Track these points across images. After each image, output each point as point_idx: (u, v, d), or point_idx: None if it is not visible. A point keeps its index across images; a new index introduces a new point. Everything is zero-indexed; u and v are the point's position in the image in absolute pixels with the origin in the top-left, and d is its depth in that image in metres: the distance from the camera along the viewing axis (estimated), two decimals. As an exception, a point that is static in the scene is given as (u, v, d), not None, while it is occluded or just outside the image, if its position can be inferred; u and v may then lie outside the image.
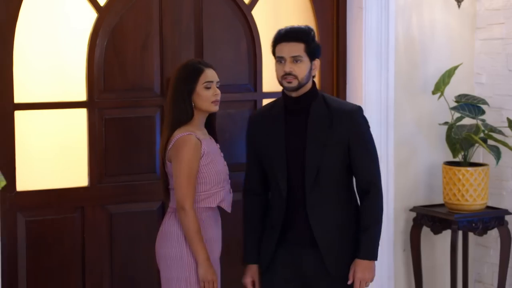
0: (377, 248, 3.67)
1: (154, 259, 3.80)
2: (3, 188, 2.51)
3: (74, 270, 4.36)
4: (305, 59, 3.59)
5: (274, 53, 3.64)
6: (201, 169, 3.75)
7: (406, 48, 4.95)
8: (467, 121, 4.93)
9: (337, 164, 3.63)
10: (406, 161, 5.01)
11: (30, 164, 4.27)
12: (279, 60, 3.61)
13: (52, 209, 4.30)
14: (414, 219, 4.99)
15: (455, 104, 4.92)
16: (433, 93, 4.91)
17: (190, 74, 3.80)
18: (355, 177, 3.69)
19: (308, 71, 3.61)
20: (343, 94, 4.87)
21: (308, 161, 3.60)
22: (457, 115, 4.89)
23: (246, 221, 3.77)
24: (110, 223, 4.41)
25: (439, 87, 4.88)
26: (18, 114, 4.21)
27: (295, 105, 3.66)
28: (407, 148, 5.01)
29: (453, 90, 4.98)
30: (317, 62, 3.66)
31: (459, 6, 4.99)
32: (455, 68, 4.90)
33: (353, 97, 4.84)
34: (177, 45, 4.49)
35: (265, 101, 4.73)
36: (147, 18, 4.43)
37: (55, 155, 4.34)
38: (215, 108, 3.79)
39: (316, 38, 3.66)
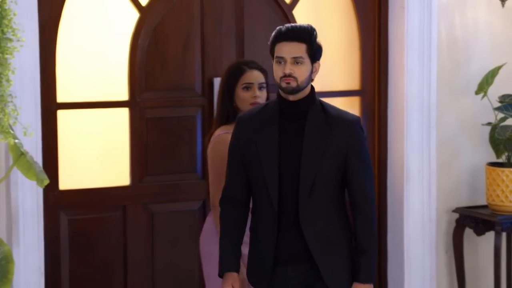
0: (375, 269, 3.45)
1: (195, 258, 3.82)
2: (46, 186, 2.54)
3: (116, 269, 4.38)
4: (306, 60, 3.33)
5: (272, 52, 3.37)
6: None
7: (448, 47, 4.90)
8: (511, 121, 4.87)
9: (333, 177, 3.37)
10: (448, 162, 4.96)
11: (73, 163, 4.30)
12: (279, 60, 3.34)
13: (94, 208, 4.33)
14: (457, 221, 4.94)
15: (499, 104, 4.86)
16: (476, 93, 4.85)
17: (232, 75, 3.83)
18: (348, 192, 3.42)
19: (309, 74, 3.35)
20: (384, 94, 4.84)
21: (303, 171, 3.33)
22: (500, 115, 4.83)
23: (223, 232, 3.45)
24: (152, 222, 4.43)
25: (483, 87, 4.83)
26: (61, 114, 4.24)
27: (291, 109, 3.39)
28: (449, 149, 4.96)
29: (496, 90, 4.91)
30: (317, 65, 3.39)
31: (503, 5, 4.93)
32: (499, 68, 4.84)
33: (394, 97, 4.81)
34: (218, 45, 4.50)
35: (306, 101, 4.71)
36: (189, 17, 4.44)
37: (97, 154, 4.37)
38: None
39: (317, 39, 3.37)
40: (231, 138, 3.43)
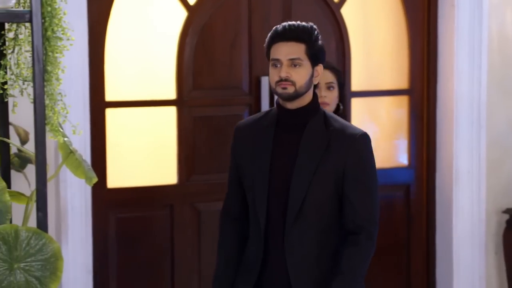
0: None
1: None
2: (95, 185, 2.57)
3: (163, 267, 4.40)
4: (306, 63, 2.95)
5: (268, 54, 2.99)
6: None
7: (499, 46, 4.83)
8: (563, 121, 4.80)
9: (328, 199, 2.95)
10: (498, 162, 4.89)
11: (121, 162, 4.33)
12: (274, 63, 2.95)
13: (142, 206, 4.35)
14: (507, 221, 4.87)
15: (551, 103, 4.80)
16: (528, 92, 4.80)
17: None
18: (344, 217, 2.97)
19: (309, 78, 2.96)
20: (433, 93, 4.79)
21: (292, 191, 2.94)
22: (552, 115, 4.76)
23: (221, 251, 3.12)
24: (199, 220, 4.44)
25: (534, 86, 4.77)
26: (109, 112, 4.27)
27: (289, 119, 3.01)
28: (499, 148, 4.89)
29: (548, 89, 4.85)
30: (319, 68, 3.00)
31: (555, 3, 4.85)
32: (551, 66, 4.78)
33: (443, 96, 4.76)
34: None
35: (354, 100, 4.69)
36: (236, 16, 4.44)
37: (145, 152, 4.39)
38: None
39: (320, 39, 2.99)
40: (231, 149, 3.15)
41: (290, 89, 2.93)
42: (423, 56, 4.80)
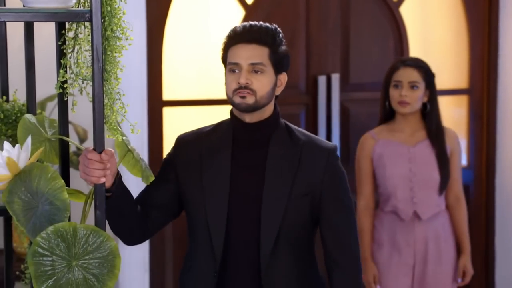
0: None
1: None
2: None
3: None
4: (269, 69, 2.54)
5: (224, 59, 2.60)
6: (375, 171, 3.78)
7: (562, 45, 4.74)
8: None
9: (305, 224, 2.58)
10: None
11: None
12: (232, 68, 2.55)
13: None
14: None
15: None
16: None
17: (387, 72, 3.83)
18: (323, 242, 2.62)
19: (271, 87, 2.56)
20: (493, 92, 4.72)
21: (265, 219, 2.52)
22: None
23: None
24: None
25: None
26: (166, 111, 4.30)
27: (248, 134, 2.59)
28: (561, 149, 4.80)
29: None
30: (283, 78, 2.61)
31: None
32: None
33: (504, 96, 4.68)
34: (323, 42, 4.47)
35: (412, 100, 4.65)
36: (294, 15, 4.43)
37: (201, 151, 4.40)
38: (400, 110, 3.75)
39: (285, 44, 2.60)
40: (165, 160, 2.68)
41: (250, 99, 2.52)
42: (483, 55, 4.73)
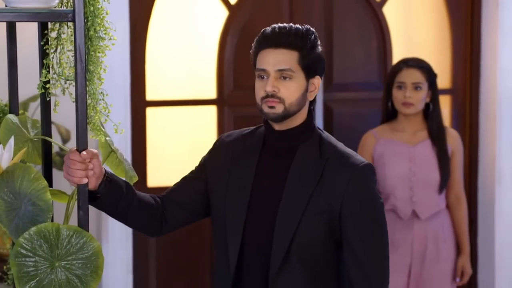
0: None
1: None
2: (135, 184, 2.57)
3: (203, 266, 4.40)
4: (298, 75, 2.42)
5: (254, 64, 2.48)
6: (376, 170, 3.81)
7: (544, 45, 4.76)
8: None
9: (321, 243, 2.42)
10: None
11: (161, 160, 4.34)
12: (260, 74, 2.43)
13: (182, 205, 4.36)
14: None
15: None
16: None
17: (390, 73, 3.87)
18: (347, 267, 2.46)
19: (301, 93, 2.43)
20: (476, 93, 4.73)
21: (277, 233, 2.41)
22: None
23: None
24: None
25: None
26: (150, 111, 4.29)
27: (276, 142, 2.48)
28: (543, 149, 4.82)
29: None
30: (317, 82, 2.46)
31: None
32: None
33: (487, 96, 4.70)
34: (306, 43, 4.47)
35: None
36: (277, 15, 4.43)
37: (185, 151, 4.40)
38: (405, 111, 3.77)
39: (319, 45, 2.46)
40: (207, 156, 2.63)
41: (279, 108, 2.40)
42: (466, 55, 4.75)
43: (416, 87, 3.76)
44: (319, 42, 2.47)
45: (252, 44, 2.50)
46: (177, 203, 2.56)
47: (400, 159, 3.79)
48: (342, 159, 2.44)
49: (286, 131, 2.47)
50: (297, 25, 2.46)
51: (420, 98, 3.77)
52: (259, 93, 2.43)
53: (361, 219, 2.41)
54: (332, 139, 2.52)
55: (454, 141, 3.87)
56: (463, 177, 3.98)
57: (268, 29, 2.46)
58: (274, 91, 2.40)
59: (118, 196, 2.43)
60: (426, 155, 3.80)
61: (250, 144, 2.52)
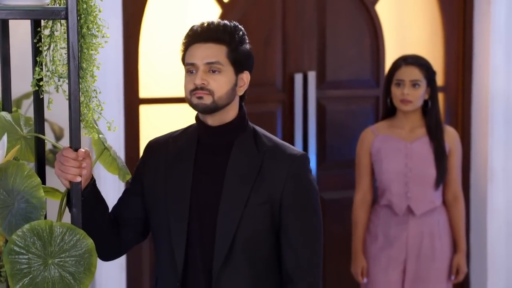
0: None
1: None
2: (127, 182, 2.58)
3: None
4: (227, 69, 2.44)
5: (183, 59, 2.52)
6: (373, 165, 3.84)
7: (536, 43, 4.78)
8: None
9: (262, 235, 2.44)
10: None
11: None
12: (189, 69, 2.47)
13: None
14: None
15: None
16: None
17: (389, 70, 3.88)
18: (282, 258, 2.48)
19: (231, 87, 2.45)
20: (468, 90, 4.75)
21: (219, 228, 2.41)
22: None
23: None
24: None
25: None
26: (143, 109, 4.29)
27: (211, 138, 2.50)
28: (535, 147, 4.84)
29: None
30: (245, 77, 2.49)
31: None
32: None
33: (479, 93, 4.71)
34: (299, 41, 4.48)
35: (388, 98, 4.67)
36: (270, 13, 4.44)
37: (178, 149, 4.40)
38: (403, 108, 3.80)
39: (247, 42, 2.51)
40: (137, 168, 2.62)
41: (207, 99, 2.42)
42: (459, 53, 4.76)
43: (414, 84, 3.79)
44: (247, 39, 2.51)
45: (181, 42, 2.53)
46: (123, 223, 2.56)
47: (396, 155, 3.81)
48: (279, 150, 2.47)
49: (220, 126, 2.49)
50: (225, 21, 2.50)
51: (418, 95, 3.79)
52: (188, 86, 2.47)
53: (299, 208, 2.45)
54: (266, 133, 2.54)
55: (452, 139, 3.88)
56: (461, 176, 3.99)
57: (197, 25, 2.49)
58: (203, 83, 2.43)
59: (98, 202, 2.45)
60: (423, 151, 3.82)
61: (183, 144, 2.53)
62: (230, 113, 2.49)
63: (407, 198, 3.80)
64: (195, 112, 4.38)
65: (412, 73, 3.78)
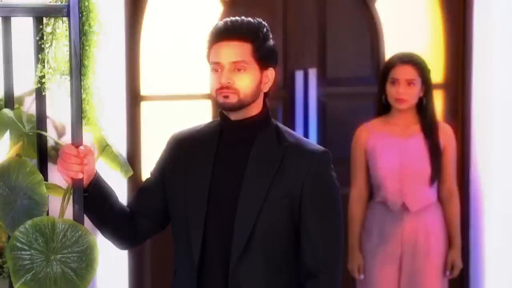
0: None
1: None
2: (130, 178, 2.58)
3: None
4: (252, 67, 2.46)
5: (208, 57, 2.53)
6: (368, 162, 3.85)
7: (536, 40, 4.78)
8: None
9: (280, 229, 2.47)
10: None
11: (155, 155, 4.34)
12: (215, 67, 2.48)
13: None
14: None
15: None
16: None
17: (383, 68, 3.89)
18: (301, 253, 2.50)
19: (256, 85, 2.48)
20: (468, 87, 4.76)
21: (238, 221, 2.43)
22: None
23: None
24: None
25: None
26: (144, 106, 4.30)
27: (234, 132, 2.53)
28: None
29: None
30: (270, 74, 2.52)
31: None
32: None
33: (479, 91, 4.72)
34: (300, 37, 4.49)
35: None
36: (271, 11, 4.44)
37: (179, 146, 4.41)
38: (398, 106, 3.81)
39: (271, 38, 2.54)
40: (161, 157, 2.67)
41: (233, 98, 2.45)
42: (459, 51, 4.77)
43: (410, 83, 3.80)
44: (271, 35, 2.53)
45: (206, 39, 2.53)
46: (141, 213, 2.59)
47: (391, 152, 3.82)
48: (301, 146, 2.49)
49: (243, 120, 2.51)
50: (249, 19, 2.51)
51: (413, 94, 3.80)
52: (214, 85, 2.48)
53: (319, 204, 2.47)
54: (288, 129, 2.57)
55: (446, 135, 3.90)
56: (455, 172, 4.00)
57: (220, 23, 2.50)
58: (229, 83, 2.45)
59: (104, 198, 2.47)
60: (417, 148, 3.83)
61: (205, 137, 2.56)
62: (254, 109, 2.52)
63: (402, 195, 3.82)
64: (197, 109, 4.43)
65: (407, 71, 3.79)
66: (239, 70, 2.46)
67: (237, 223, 2.44)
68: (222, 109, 2.51)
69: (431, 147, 3.83)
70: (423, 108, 3.85)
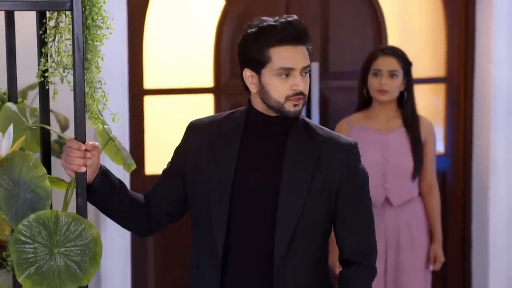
0: None
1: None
2: (133, 171, 2.59)
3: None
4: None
5: (260, 58, 2.42)
6: None
7: (538, 34, 4.78)
8: None
9: (320, 223, 2.47)
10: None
11: (158, 148, 4.36)
12: (283, 73, 2.40)
13: (179, 193, 4.38)
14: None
15: None
16: None
17: (365, 60, 3.88)
18: (338, 241, 2.53)
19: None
20: (470, 81, 4.75)
21: (280, 214, 2.39)
22: None
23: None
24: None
25: None
26: (148, 100, 4.31)
27: (264, 125, 2.46)
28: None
29: None
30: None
31: None
32: None
33: (481, 84, 4.72)
34: (303, 32, 4.49)
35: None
36: (274, 4, 4.44)
37: (182, 140, 4.42)
38: (380, 98, 3.80)
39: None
40: (178, 148, 2.61)
41: (301, 105, 2.43)
42: (461, 44, 4.77)
43: (392, 74, 3.80)
44: None
45: (252, 37, 2.44)
46: (159, 203, 2.56)
47: (373, 146, 3.81)
48: (334, 140, 2.49)
49: (279, 116, 2.45)
50: (301, 20, 2.46)
51: (395, 85, 3.81)
52: (284, 91, 2.40)
53: (357, 194, 2.50)
54: (315, 123, 2.56)
55: (427, 129, 3.89)
56: (435, 166, 3.98)
57: (279, 24, 2.40)
58: (304, 88, 2.42)
59: (111, 191, 2.46)
60: (399, 142, 3.83)
61: (228, 127, 2.49)
62: None
63: (384, 189, 3.82)
64: (199, 103, 4.43)
65: (389, 63, 3.79)
66: (305, 74, 2.42)
67: (279, 220, 2.39)
68: (287, 116, 2.44)
69: (413, 141, 3.83)
70: (404, 102, 3.85)
